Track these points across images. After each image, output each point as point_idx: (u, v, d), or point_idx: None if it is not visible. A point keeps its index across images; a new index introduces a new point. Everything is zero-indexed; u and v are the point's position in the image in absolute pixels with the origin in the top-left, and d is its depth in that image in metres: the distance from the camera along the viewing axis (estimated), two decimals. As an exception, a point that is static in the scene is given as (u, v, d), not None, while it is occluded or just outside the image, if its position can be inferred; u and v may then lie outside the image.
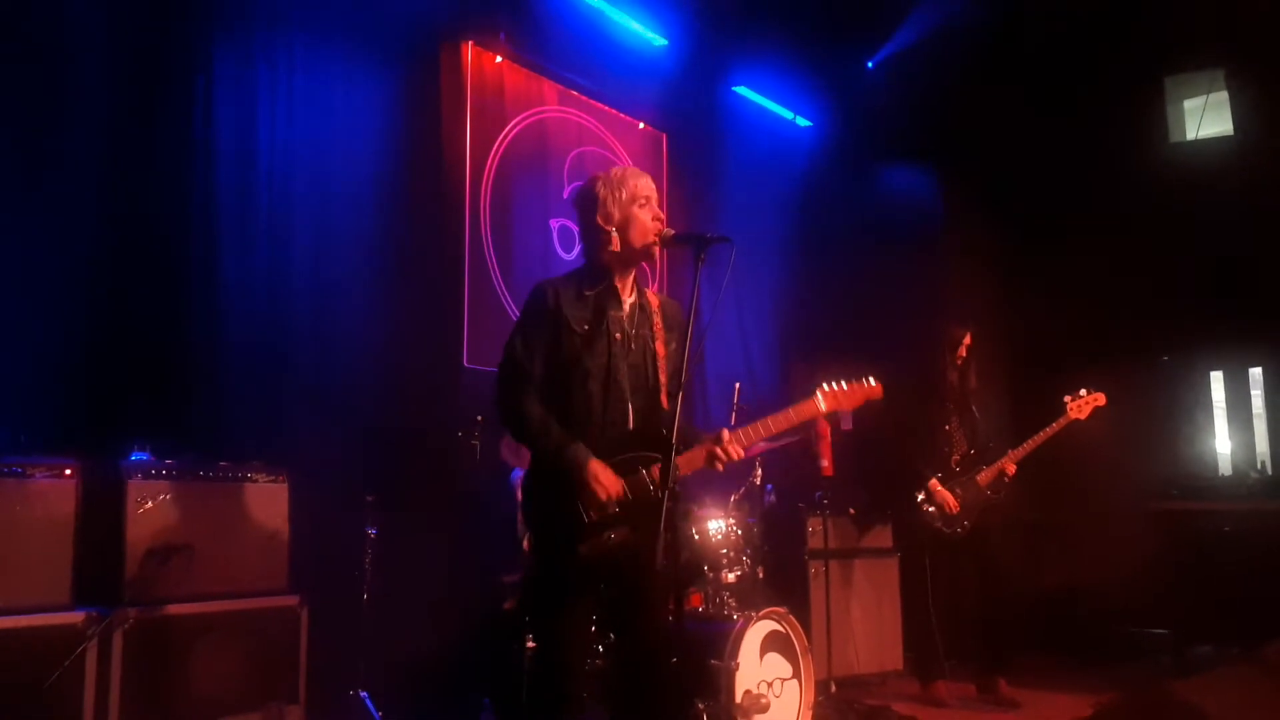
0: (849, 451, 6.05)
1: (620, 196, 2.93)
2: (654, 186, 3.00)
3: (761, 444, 4.83)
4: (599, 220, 2.95)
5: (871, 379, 3.18)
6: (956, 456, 5.32)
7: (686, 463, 2.86)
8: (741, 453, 2.88)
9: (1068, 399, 5.16)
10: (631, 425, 2.91)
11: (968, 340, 5.40)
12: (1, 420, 3.51)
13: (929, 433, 5.35)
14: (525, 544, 2.83)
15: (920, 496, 5.25)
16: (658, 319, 3.03)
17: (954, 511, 5.17)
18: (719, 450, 2.85)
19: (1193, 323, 6.79)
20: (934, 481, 5.22)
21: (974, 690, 5.27)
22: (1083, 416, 5.14)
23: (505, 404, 2.90)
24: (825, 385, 3.10)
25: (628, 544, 2.79)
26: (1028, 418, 5.31)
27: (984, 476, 5.21)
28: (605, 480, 2.77)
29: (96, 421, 3.88)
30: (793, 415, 3.03)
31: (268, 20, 4.73)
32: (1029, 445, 5.18)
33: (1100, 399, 5.16)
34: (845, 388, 3.12)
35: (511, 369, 2.91)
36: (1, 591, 3.23)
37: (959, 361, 5.40)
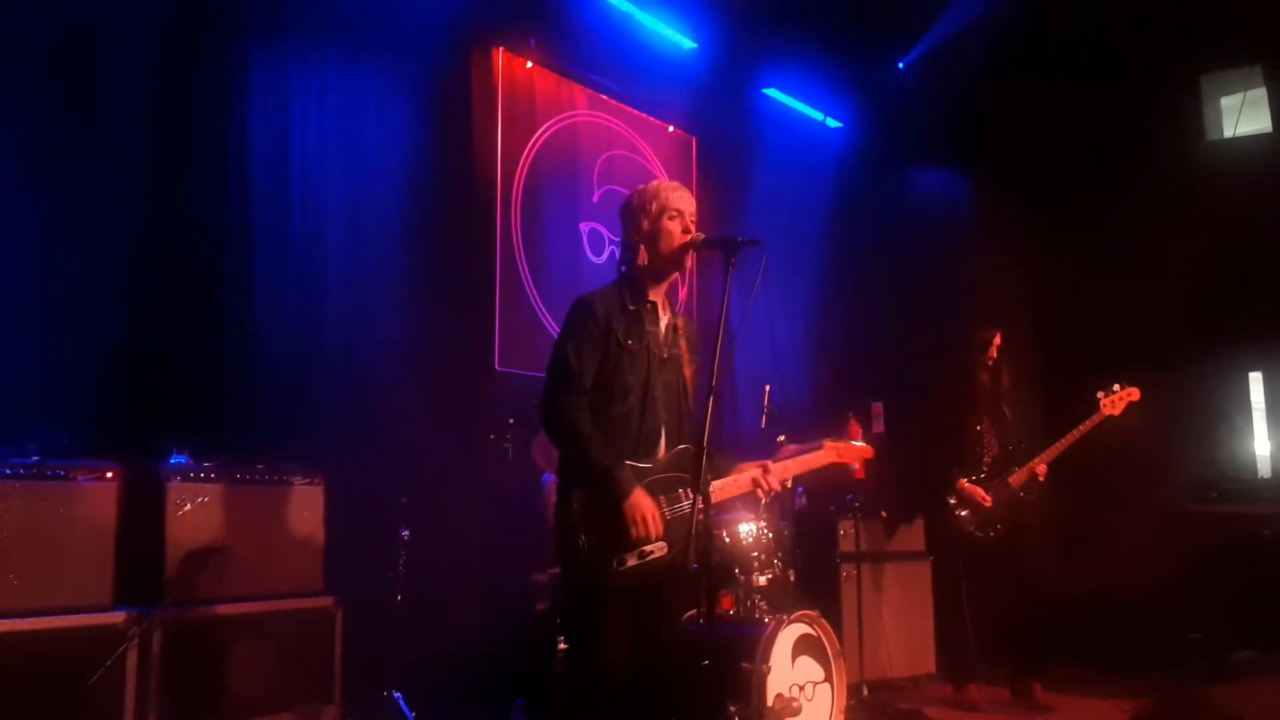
0: (880, 454, 6.01)
1: (652, 209, 2.98)
2: (691, 201, 3.03)
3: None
4: (632, 233, 3.01)
5: (859, 440, 3.75)
6: (988, 458, 5.27)
7: (734, 485, 3.06)
8: (779, 486, 3.15)
9: (1101, 395, 5.07)
10: (665, 443, 2.95)
11: (998, 340, 5.34)
12: (45, 424, 3.57)
13: (960, 435, 5.30)
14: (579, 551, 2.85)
15: (952, 500, 5.21)
16: (684, 341, 3.08)
17: (987, 507, 5.12)
18: (763, 480, 3.09)
19: (1230, 323, 6.69)
20: (963, 481, 5.18)
21: (1008, 695, 5.23)
22: (1117, 413, 5.05)
23: (555, 412, 2.89)
24: (828, 440, 3.65)
25: (664, 561, 2.83)
26: (1062, 419, 5.23)
27: (1016, 478, 5.16)
28: (648, 515, 2.78)
29: (137, 425, 3.94)
30: (809, 461, 3.48)
31: (301, 29, 4.79)
32: (1061, 445, 5.11)
33: (1134, 394, 5.06)
34: (846, 445, 3.66)
35: (564, 376, 2.90)
36: (45, 592, 3.30)
37: (989, 362, 5.34)
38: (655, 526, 2.79)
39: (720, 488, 3.02)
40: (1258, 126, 7.09)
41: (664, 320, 3.04)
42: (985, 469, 5.24)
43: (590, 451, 2.82)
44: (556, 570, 4.32)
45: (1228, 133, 7.21)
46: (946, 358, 5.56)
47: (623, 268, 3.08)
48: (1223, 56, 7.13)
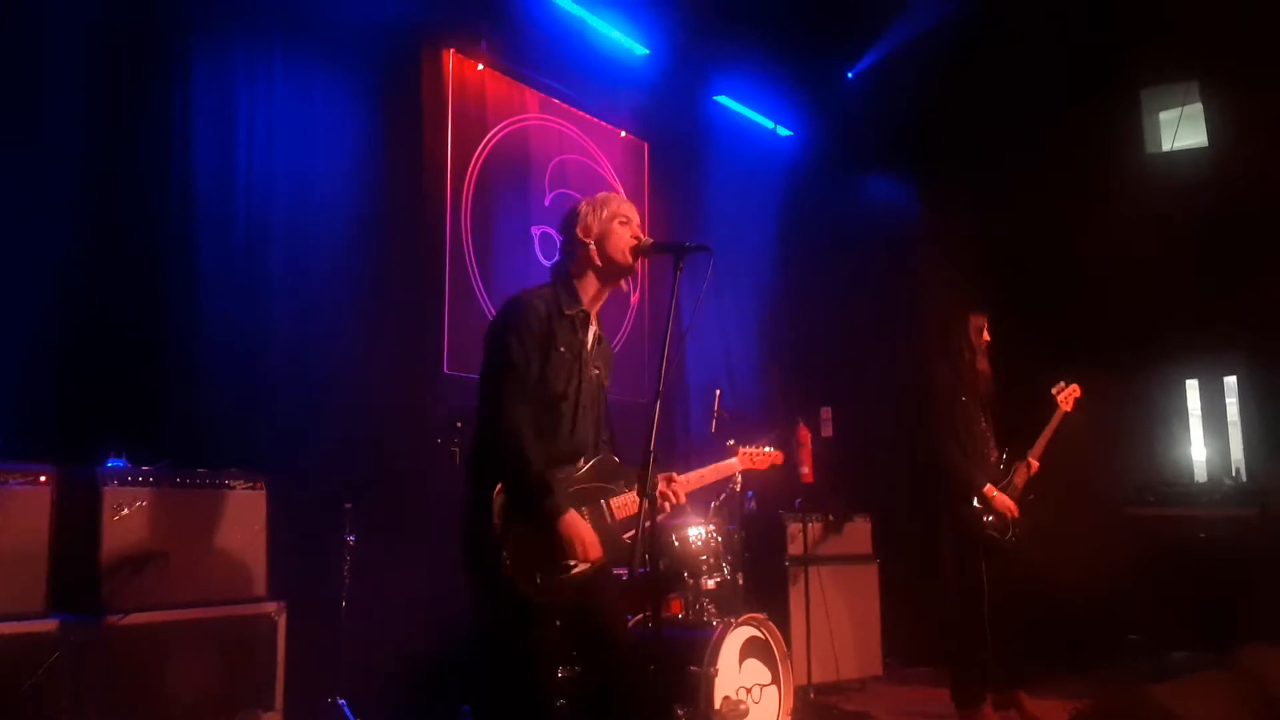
0: (828, 458, 6.07)
1: (601, 214, 2.99)
2: (637, 212, 3.07)
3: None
4: (578, 233, 3.01)
5: (770, 447, 3.78)
6: (994, 457, 5.00)
7: (633, 503, 2.89)
8: (684, 499, 3.06)
9: (1055, 391, 5.03)
10: (590, 454, 2.93)
11: (986, 324, 5.08)
12: (-25, 426, 3.48)
13: (968, 433, 4.92)
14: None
15: (977, 504, 4.84)
16: (604, 357, 3.08)
17: (1015, 517, 4.86)
18: (668, 492, 2.98)
19: (1168, 332, 6.85)
20: (990, 487, 4.84)
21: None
22: (1069, 408, 5.01)
23: (500, 407, 2.78)
24: (742, 448, 3.72)
25: (589, 576, 2.78)
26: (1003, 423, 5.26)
27: (1019, 478, 4.94)
28: (587, 540, 2.73)
29: (72, 428, 3.85)
30: (710, 474, 3.42)
31: (247, 28, 4.72)
32: (1043, 440, 4.96)
33: (1076, 390, 5.03)
34: (758, 452, 3.74)
35: (510, 369, 2.81)
36: (-26, 599, 3.21)
37: (984, 347, 5.05)
38: (595, 550, 2.74)
39: (625, 504, 2.93)
40: (1194, 141, 7.28)
41: (592, 331, 3.02)
42: (997, 470, 4.96)
43: (531, 462, 2.74)
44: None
45: (1166, 146, 7.40)
46: (938, 348, 5.24)
47: (563, 271, 3.05)
48: (1162, 72, 7.32)
